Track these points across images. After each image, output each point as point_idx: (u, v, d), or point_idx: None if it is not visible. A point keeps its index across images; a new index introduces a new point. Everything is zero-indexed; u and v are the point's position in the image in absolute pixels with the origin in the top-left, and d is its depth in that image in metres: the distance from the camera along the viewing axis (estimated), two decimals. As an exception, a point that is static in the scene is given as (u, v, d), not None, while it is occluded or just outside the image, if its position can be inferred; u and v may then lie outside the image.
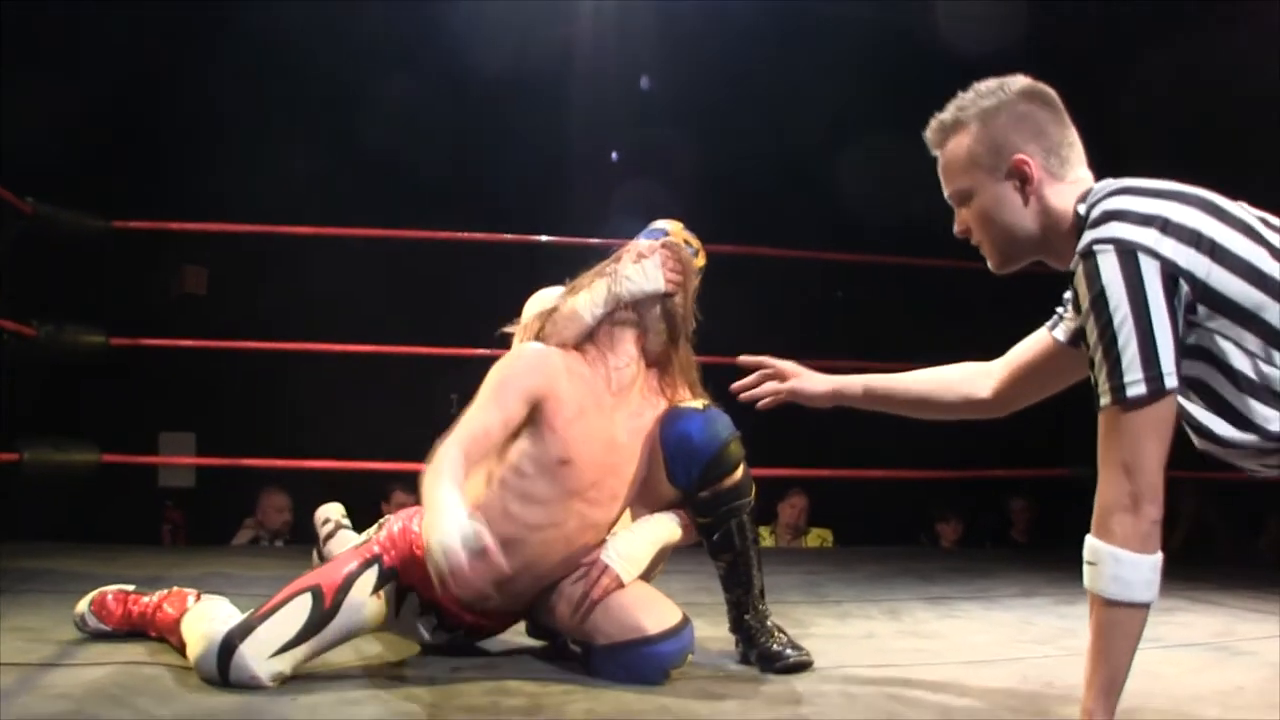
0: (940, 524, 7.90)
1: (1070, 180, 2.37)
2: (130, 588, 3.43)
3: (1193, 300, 2.08)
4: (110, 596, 3.38)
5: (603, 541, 3.15)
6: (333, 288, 7.47)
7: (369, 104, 7.41)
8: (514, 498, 3.02)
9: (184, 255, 8.01)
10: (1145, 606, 2.14)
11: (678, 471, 3.15)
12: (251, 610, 2.93)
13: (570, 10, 7.77)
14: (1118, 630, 2.15)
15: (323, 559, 3.74)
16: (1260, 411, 2.10)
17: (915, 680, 3.12)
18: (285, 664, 2.84)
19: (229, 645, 2.82)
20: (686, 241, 3.29)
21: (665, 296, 3.17)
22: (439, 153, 7.61)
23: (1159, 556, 2.11)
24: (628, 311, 3.16)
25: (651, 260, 3.17)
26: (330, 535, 3.95)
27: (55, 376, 6.47)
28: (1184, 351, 2.11)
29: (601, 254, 3.29)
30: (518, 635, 3.40)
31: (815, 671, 3.17)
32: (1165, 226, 2.10)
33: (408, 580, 3.03)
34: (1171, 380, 2.07)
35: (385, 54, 7.60)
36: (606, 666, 3.03)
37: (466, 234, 6.76)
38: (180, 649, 3.05)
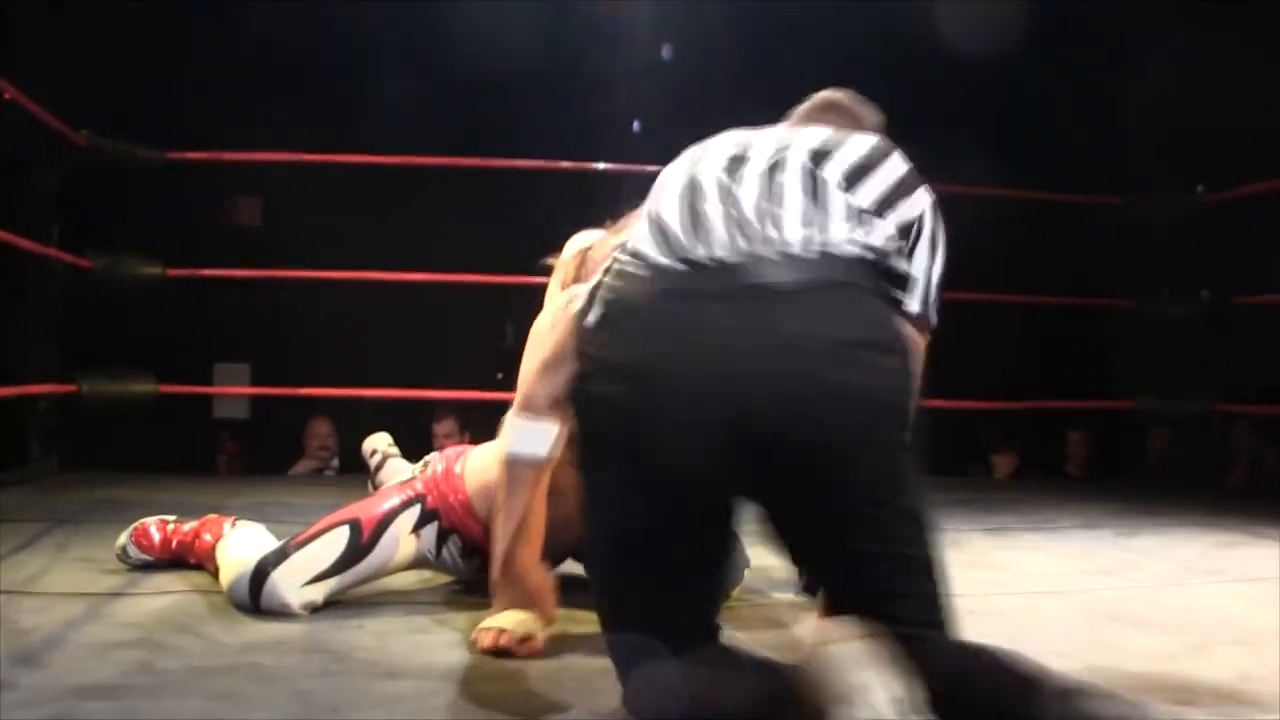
0: (995, 455, 7.86)
1: None
2: (171, 517, 3.44)
3: None
4: (152, 526, 3.40)
5: None
6: (388, 216, 7.47)
7: (428, 30, 7.37)
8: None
9: (238, 186, 8.03)
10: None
11: None
12: (288, 538, 2.94)
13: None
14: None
15: (376, 489, 3.74)
16: None
17: (984, 610, 3.09)
18: (317, 593, 2.84)
19: (262, 571, 2.83)
20: None
21: None
22: (497, 82, 7.57)
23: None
24: None
25: None
26: (379, 466, 3.95)
27: (112, 308, 6.50)
28: None
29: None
30: (576, 568, 3.39)
31: (879, 601, 3.16)
32: None
33: (449, 522, 3.02)
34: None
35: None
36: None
37: (523, 161, 6.74)
38: (216, 575, 3.06)
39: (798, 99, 2.66)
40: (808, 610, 3.06)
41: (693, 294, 1.96)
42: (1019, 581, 3.55)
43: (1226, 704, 2.24)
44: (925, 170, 2.26)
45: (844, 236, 2.03)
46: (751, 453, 1.88)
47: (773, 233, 2.00)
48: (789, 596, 3.22)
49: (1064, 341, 8.03)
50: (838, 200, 2.09)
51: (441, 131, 7.32)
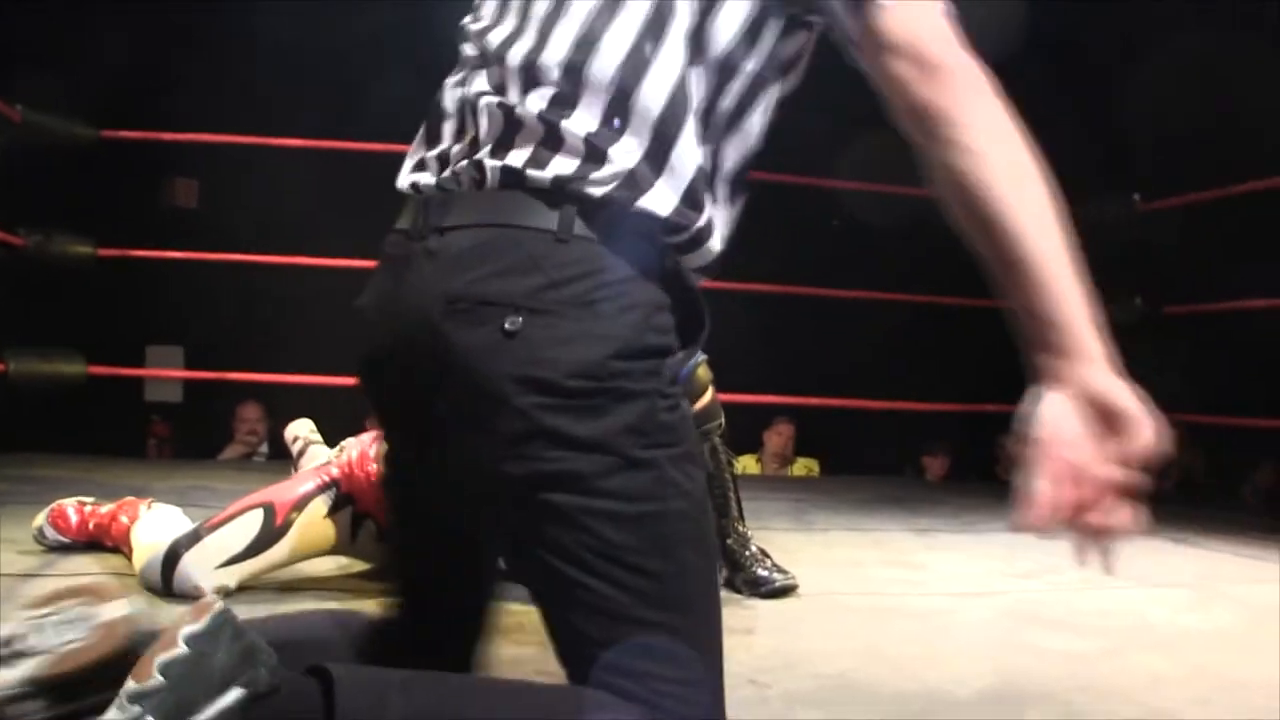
0: (926, 457, 7.92)
1: None
2: (89, 499, 3.41)
3: None
4: (69, 508, 3.36)
5: None
6: (324, 202, 7.43)
7: (387, 12, 7.34)
8: None
9: (174, 167, 7.97)
10: None
11: None
12: (201, 521, 2.91)
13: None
14: None
15: (297, 475, 3.72)
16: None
17: (902, 609, 3.12)
18: (230, 577, 2.81)
19: (174, 554, 2.80)
20: None
21: None
22: (434, 71, 7.54)
23: None
24: None
25: None
26: (301, 453, 3.93)
27: (43, 287, 6.44)
28: None
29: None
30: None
31: (801, 597, 3.17)
32: None
33: (364, 506, 2.99)
34: None
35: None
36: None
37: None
38: (131, 558, 3.04)
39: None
40: (723, 605, 3.06)
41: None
42: (940, 582, 3.57)
43: (1137, 707, 2.26)
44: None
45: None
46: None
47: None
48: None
49: (999, 346, 8.07)
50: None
51: (391, 117, 7.28)
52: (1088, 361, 1.39)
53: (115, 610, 1.53)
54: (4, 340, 5.90)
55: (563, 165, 1.52)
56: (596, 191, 1.51)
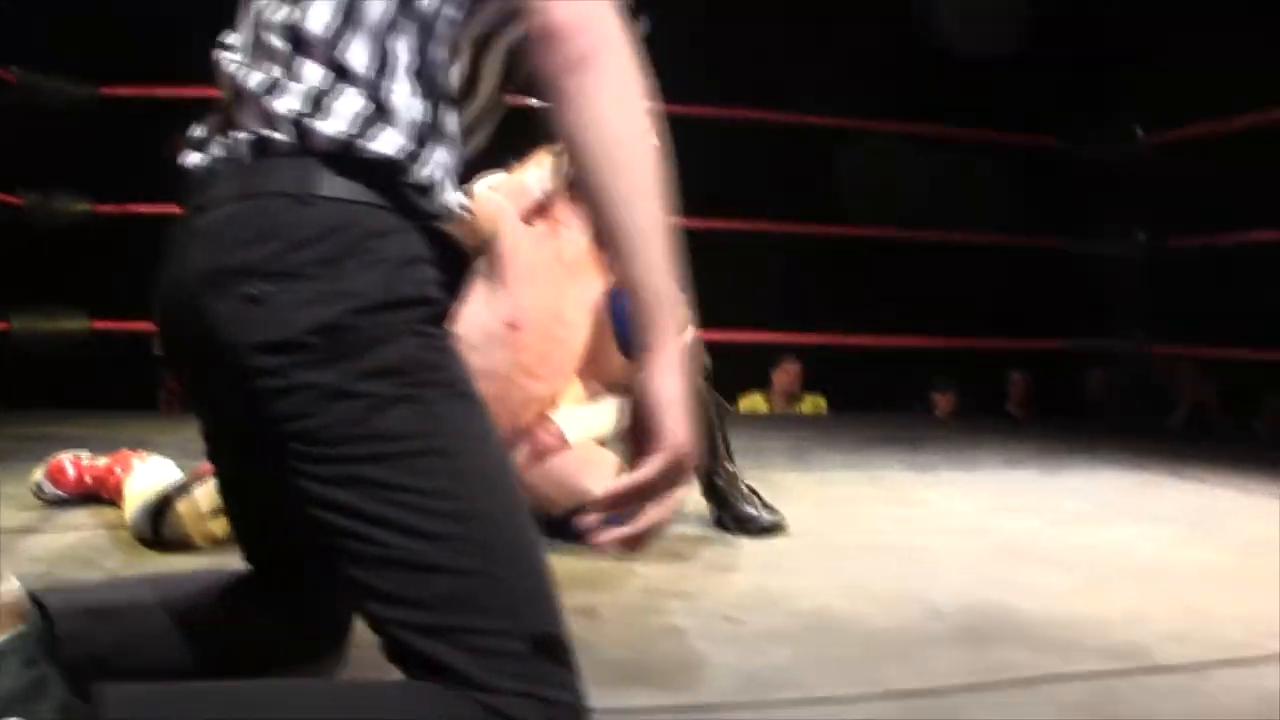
0: (935, 394, 7.92)
1: None
2: (85, 453, 3.43)
3: None
4: (66, 462, 3.39)
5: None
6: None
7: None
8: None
9: (176, 124, 7.97)
10: None
11: (626, 339, 3.14)
12: (191, 472, 2.93)
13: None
14: None
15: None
16: None
17: (891, 546, 3.13)
18: (219, 527, 2.82)
19: (163, 504, 2.83)
20: None
21: None
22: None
23: None
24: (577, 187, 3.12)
25: None
26: None
27: (45, 246, 6.45)
28: None
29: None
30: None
31: (789, 536, 3.18)
32: None
33: None
34: None
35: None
36: (566, 534, 2.98)
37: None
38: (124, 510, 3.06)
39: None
40: (709, 544, 3.08)
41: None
42: (934, 519, 3.57)
43: (1108, 641, 2.27)
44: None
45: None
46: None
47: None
48: (693, 530, 3.21)
49: (1008, 282, 8.06)
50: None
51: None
52: (658, 354, 1.42)
53: None
54: (7, 300, 5.92)
55: (293, 125, 1.51)
56: (328, 144, 1.49)
